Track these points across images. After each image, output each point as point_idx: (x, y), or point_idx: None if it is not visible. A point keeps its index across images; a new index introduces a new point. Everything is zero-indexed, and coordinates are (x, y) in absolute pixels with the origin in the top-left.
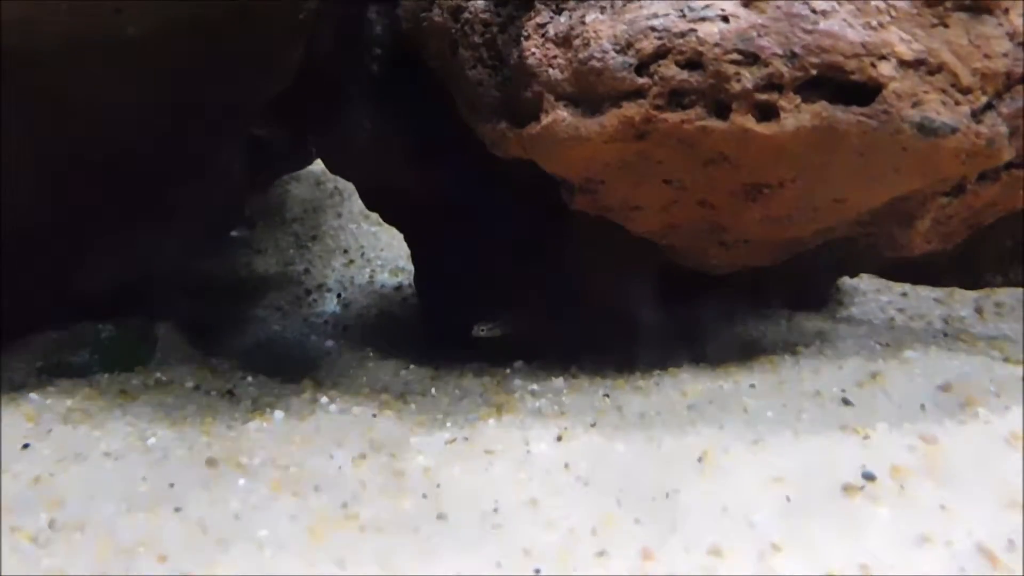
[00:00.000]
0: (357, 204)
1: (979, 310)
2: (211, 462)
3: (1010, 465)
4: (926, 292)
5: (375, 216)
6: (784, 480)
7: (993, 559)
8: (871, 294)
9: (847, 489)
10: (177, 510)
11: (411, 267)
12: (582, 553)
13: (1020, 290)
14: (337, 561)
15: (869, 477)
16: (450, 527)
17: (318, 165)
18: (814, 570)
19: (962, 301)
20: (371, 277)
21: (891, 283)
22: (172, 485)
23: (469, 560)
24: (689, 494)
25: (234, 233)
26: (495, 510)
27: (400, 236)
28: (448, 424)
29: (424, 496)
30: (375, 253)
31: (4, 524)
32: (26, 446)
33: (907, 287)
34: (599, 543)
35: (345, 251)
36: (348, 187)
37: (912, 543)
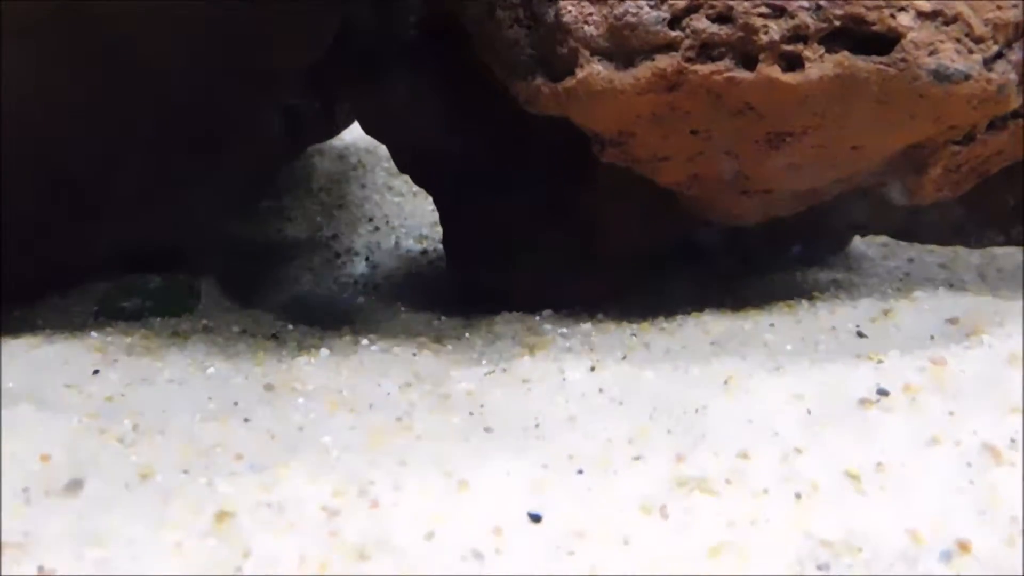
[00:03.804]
0: (380, 176)
1: (982, 275)
2: (268, 387)
3: (1012, 381)
4: (931, 258)
5: (398, 187)
6: (804, 397)
7: (997, 454)
8: (878, 260)
9: (863, 403)
10: (246, 420)
11: (435, 234)
12: (620, 458)
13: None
14: (399, 461)
15: (883, 393)
16: (497, 437)
17: (340, 140)
18: (834, 468)
19: (965, 267)
20: (397, 243)
21: (897, 250)
22: (236, 403)
23: (518, 462)
24: (716, 410)
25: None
26: (537, 425)
27: (423, 206)
28: (484, 361)
29: (470, 413)
30: (399, 221)
31: (93, 427)
32: (96, 372)
33: (913, 253)
34: (635, 450)
35: (370, 219)
36: (371, 160)
37: (923, 444)
